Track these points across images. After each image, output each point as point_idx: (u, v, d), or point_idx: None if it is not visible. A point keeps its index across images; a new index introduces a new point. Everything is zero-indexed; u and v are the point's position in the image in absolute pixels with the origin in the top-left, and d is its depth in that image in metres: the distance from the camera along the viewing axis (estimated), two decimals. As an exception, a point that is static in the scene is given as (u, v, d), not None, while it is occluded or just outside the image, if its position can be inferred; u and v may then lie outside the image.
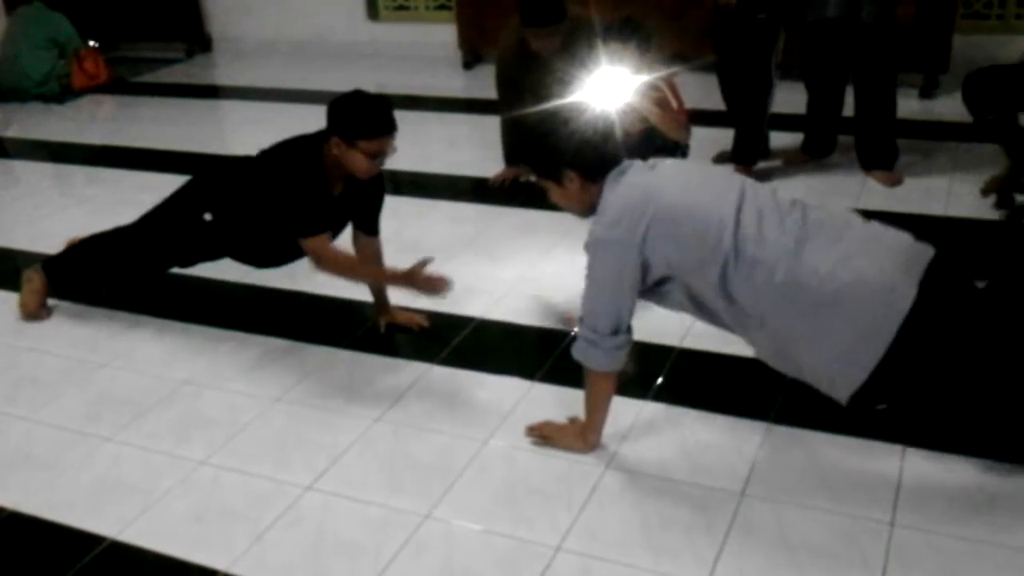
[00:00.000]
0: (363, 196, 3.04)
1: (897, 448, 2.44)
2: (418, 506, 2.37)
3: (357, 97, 2.83)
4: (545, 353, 2.99)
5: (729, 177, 2.48)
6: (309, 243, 2.88)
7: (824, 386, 2.26)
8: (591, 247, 2.35)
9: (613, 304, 2.33)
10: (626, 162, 2.40)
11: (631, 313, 2.37)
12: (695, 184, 2.37)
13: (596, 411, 2.48)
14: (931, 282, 2.12)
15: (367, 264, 3.07)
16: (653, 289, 2.37)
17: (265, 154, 3.01)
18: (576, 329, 2.43)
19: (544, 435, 2.56)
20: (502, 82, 4.43)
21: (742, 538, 2.19)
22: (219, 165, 3.34)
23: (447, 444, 2.60)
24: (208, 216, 3.13)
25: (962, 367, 2.16)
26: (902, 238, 2.26)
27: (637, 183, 2.34)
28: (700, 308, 2.38)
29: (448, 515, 2.34)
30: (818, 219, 2.24)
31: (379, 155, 2.83)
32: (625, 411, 2.63)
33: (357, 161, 2.82)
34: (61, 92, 6.56)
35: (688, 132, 3.75)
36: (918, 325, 2.08)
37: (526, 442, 2.57)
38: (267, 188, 2.91)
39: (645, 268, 2.30)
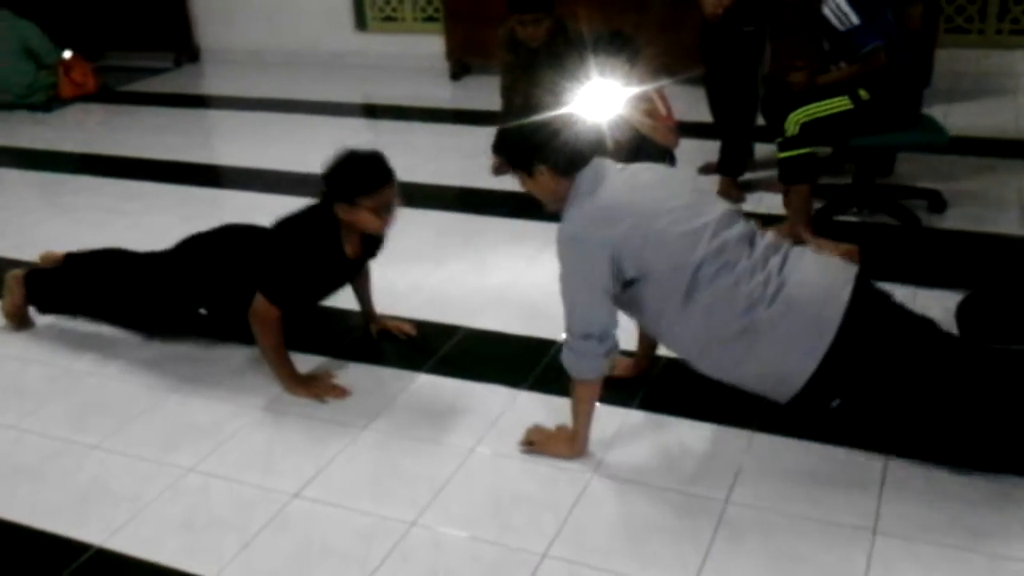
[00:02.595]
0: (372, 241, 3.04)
1: (879, 457, 2.47)
2: (405, 514, 2.38)
3: (347, 157, 2.80)
4: (532, 361, 3.01)
5: (705, 192, 2.59)
6: (268, 308, 2.82)
7: (772, 384, 2.36)
8: (563, 245, 2.37)
9: (587, 305, 2.36)
10: (599, 162, 2.44)
11: (610, 319, 2.40)
12: (675, 190, 2.45)
13: (579, 417, 2.51)
14: (863, 286, 2.36)
15: (281, 356, 2.92)
16: (621, 295, 2.39)
17: (280, 228, 2.96)
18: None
19: (531, 441, 2.58)
20: (501, 69, 4.61)
21: (726, 545, 2.21)
22: (231, 247, 3.15)
23: (434, 452, 2.61)
24: (203, 311, 3.15)
25: (904, 361, 2.30)
26: (833, 258, 2.53)
27: (616, 185, 2.40)
28: (659, 319, 2.40)
29: (434, 522, 2.35)
30: (769, 242, 2.43)
31: (384, 208, 2.80)
32: (611, 418, 2.64)
33: (365, 220, 2.79)
34: (48, 101, 6.55)
35: (677, 138, 3.79)
36: (859, 316, 2.28)
37: (513, 450, 2.58)
38: (278, 253, 2.87)
39: (617, 269, 2.33)
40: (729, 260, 2.32)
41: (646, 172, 2.52)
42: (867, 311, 2.32)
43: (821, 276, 2.35)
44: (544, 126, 2.45)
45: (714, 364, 2.41)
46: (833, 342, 2.25)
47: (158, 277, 3.21)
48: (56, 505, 2.49)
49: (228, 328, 3.22)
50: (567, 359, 2.43)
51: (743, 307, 2.29)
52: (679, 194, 2.43)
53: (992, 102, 5.22)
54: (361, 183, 2.76)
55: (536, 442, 2.57)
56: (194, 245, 3.21)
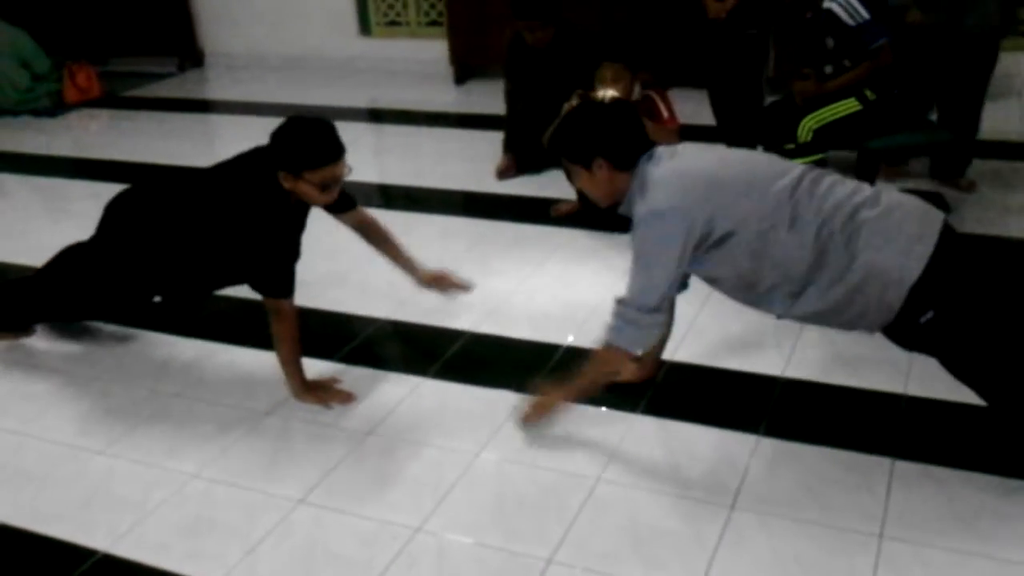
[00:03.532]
0: None
1: (885, 461, 2.46)
2: (409, 519, 2.37)
3: (295, 126, 2.66)
4: (537, 366, 3.00)
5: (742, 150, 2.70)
6: (281, 303, 2.78)
7: (875, 297, 2.25)
8: (649, 223, 2.34)
9: (663, 279, 2.35)
10: (649, 150, 2.45)
11: (675, 287, 2.43)
12: (722, 152, 2.54)
13: (593, 379, 2.57)
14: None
15: (297, 356, 2.87)
16: (714, 248, 2.34)
17: (234, 217, 2.76)
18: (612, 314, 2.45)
19: (535, 406, 2.64)
20: (505, 73, 4.63)
21: (732, 550, 2.20)
22: (164, 217, 2.97)
23: (438, 457, 2.61)
24: (158, 299, 3.09)
25: (1004, 272, 2.39)
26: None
27: (678, 159, 2.40)
28: (765, 257, 2.32)
29: (439, 528, 2.34)
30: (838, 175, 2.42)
31: (330, 184, 2.67)
32: (616, 424, 2.64)
33: (308, 193, 2.67)
34: (53, 106, 6.56)
35: (679, 141, 3.79)
36: (954, 238, 2.29)
37: (518, 455, 2.58)
38: (240, 237, 2.76)
39: (708, 229, 2.31)
40: (812, 180, 2.32)
41: (688, 147, 2.51)
42: (961, 238, 2.34)
43: (912, 196, 2.37)
44: (603, 118, 2.45)
45: (816, 293, 2.29)
46: (937, 243, 2.22)
47: (85, 272, 3.12)
48: (61, 510, 2.49)
49: (229, 330, 3.22)
50: (624, 332, 2.42)
51: (847, 211, 2.25)
52: (726, 151, 2.54)
53: (996, 104, 5.20)
54: (309, 157, 2.62)
55: (541, 406, 2.63)
56: (111, 228, 3.10)
